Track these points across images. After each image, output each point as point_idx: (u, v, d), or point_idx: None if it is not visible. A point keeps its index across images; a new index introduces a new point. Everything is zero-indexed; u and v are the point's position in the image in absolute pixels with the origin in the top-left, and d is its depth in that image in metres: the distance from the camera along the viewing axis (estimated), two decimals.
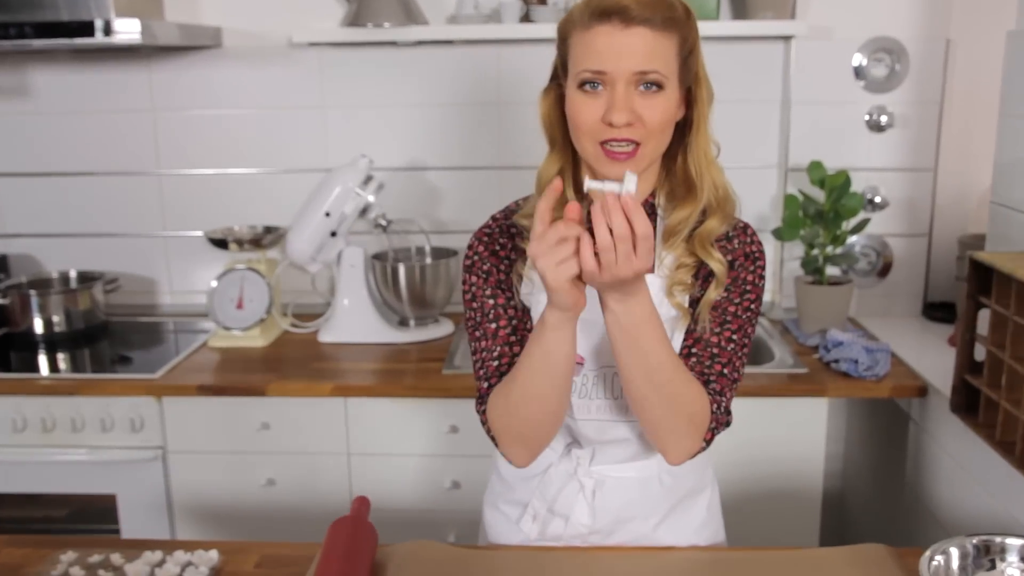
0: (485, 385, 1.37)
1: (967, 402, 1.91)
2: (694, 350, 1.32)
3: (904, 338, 2.46)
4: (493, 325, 1.36)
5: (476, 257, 1.39)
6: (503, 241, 1.38)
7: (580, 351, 1.34)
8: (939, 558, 1.26)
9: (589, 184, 1.10)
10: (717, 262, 1.30)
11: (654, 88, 1.21)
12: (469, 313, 1.40)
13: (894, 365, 2.26)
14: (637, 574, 1.37)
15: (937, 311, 2.66)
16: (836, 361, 2.25)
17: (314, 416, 2.25)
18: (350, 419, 2.24)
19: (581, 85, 1.22)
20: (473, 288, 1.39)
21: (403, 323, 2.60)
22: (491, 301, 1.37)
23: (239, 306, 2.54)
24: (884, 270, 2.71)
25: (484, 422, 1.38)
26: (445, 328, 2.58)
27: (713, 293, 1.31)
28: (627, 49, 1.18)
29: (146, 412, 2.26)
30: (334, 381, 2.21)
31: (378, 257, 2.61)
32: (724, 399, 1.32)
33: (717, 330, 1.32)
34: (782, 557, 1.40)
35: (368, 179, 2.49)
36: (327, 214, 2.46)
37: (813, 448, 2.22)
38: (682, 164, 1.33)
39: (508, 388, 1.31)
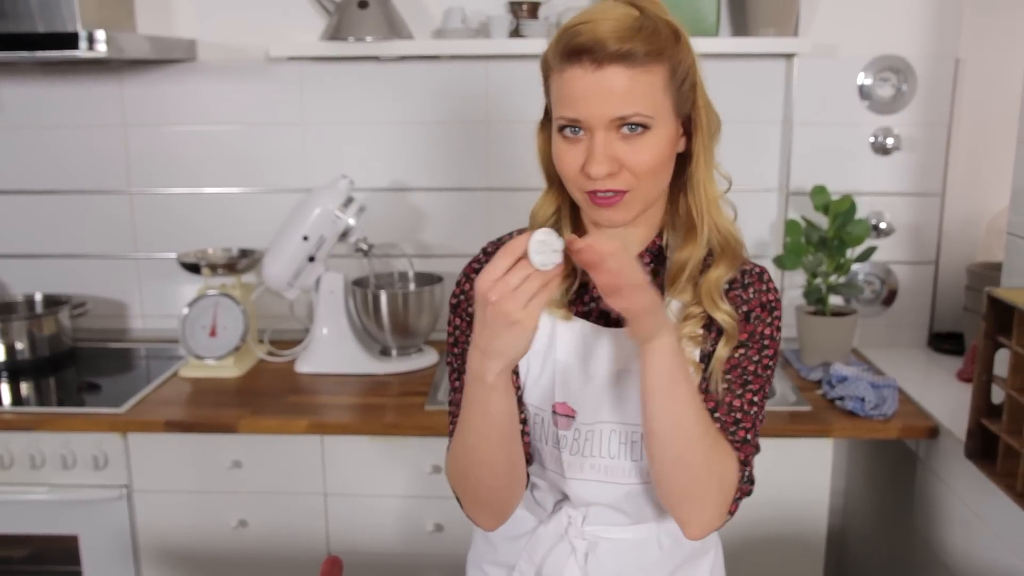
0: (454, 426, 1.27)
1: (983, 447, 1.80)
2: (716, 415, 1.19)
3: (910, 371, 2.35)
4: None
5: (463, 297, 1.29)
6: None
7: (572, 403, 1.23)
8: None
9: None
10: (726, 315, 1.18)
11: (639, 130, 1.09)
12: (450, 357, 1.31)
13: (902, 403, 2.14)
14: None
15: (944, 342, 2.54)
16: (841, 399, 2.13)
17: (289, 454, 2.12)
18: (327, 457, 2.12)
19: (561, 130, 1.12)
20: (456, 332, 1.30)
21: (385, 352, 2.48)
22: (466, 348, 1.24)
23: (212, 334, 2.41)
24: (889, 299, 2.59)
25: (448, 474, 1.29)
26: (429, 358, 2.45)
27: (724, 350, 1.19)
28: (601, 94, 1.07)
29: (110, 449, 2.12)
30: (310, 417, 2.08)
31: (359, 283, 2.48)
32: (748, 468, 1.21)
33: (739, 392, 1.20)
34: None
35: (349, 201, 2.36)
36: (305, 238, 2.34)
37: (817, 491, 2.10)
38: (684, 201, 1.22)
39: (456, 452, 1.21)
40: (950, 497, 1.97)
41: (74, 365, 2.54)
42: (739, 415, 1.19)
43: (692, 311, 1.20)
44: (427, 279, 2.52)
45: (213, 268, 2.44)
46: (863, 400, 2.09)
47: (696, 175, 1.18)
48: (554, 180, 1.23)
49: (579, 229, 1.25)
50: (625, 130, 1.09)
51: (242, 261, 2.47)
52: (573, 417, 1.24)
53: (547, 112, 1.20)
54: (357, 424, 2.08)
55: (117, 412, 2.12)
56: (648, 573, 1.32)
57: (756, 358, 1.20)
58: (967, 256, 2.53)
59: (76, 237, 2.68)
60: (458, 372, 1.27)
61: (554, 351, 1.23)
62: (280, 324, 2.60)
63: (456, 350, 1.29)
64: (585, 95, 1.07)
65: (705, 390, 1.20)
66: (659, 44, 1.08)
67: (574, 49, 1.06)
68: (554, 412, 1.24)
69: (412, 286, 2.51)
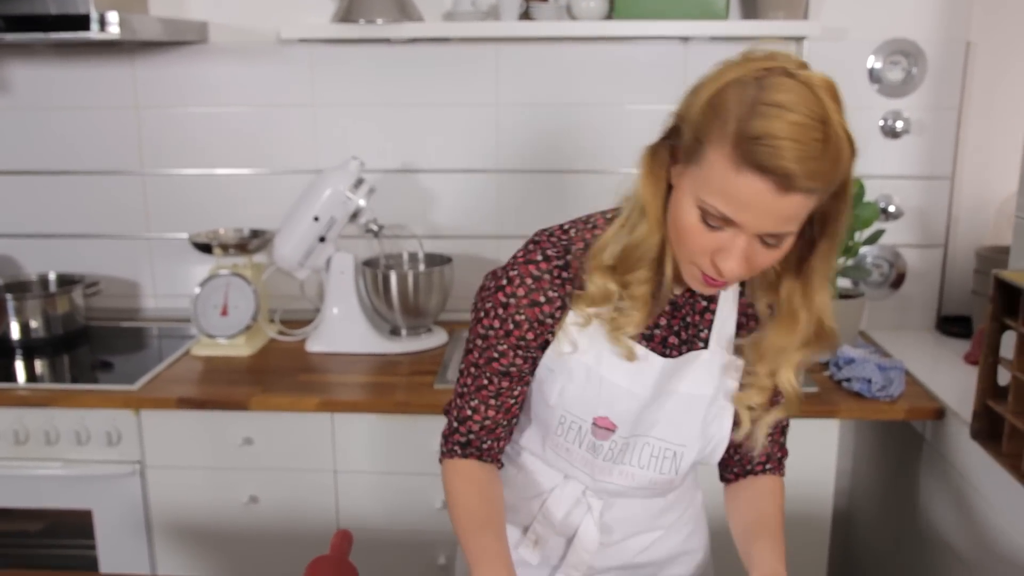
0: (455, 427, 1.32)
1: (989, 429, 1.81)
2: (770, 437, 1.38)
3: (918, 354, 2.36)
4: (487, 382, 1.28)
5: (511, 300, 1.22)
6: (551, 295, 1.21)
7: (615, 419, 1.27)
8: None
9: None
10: (791, 388, 1.25)
11: (775, 239, 1.07)
12: (472, 344, 1.29)
13: (908, 384, 2.15)
14: None
15: (953, 325, 2.54)
16: (848, 380, 2.14)
17: (299, 432, 2.14)
18: (337, 435, 2.14)
19: (705, 214, 1.06)
20: (490, 332, 1.24)
21: (395, 332, 2.50)
22: (501, 359, 1.26)
23: (223, 313, 2.43)
24: (897, 282, 2.60)
25: (442, 469, 1.34)
26: (439, 338, 2.47)
27: (777, 415, 1.30)
28: (770, 214, 1.02)
29: (123, 425, 2.15)
30: (320, 395, 2.10)
31: (369, 263, 2.50)
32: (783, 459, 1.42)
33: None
34: None
35: (359, 182, 2.38)
36: (316, 218, 2.36)
37: (823, 472, 2.12)
38: (789, 284, 1.19)
39: (454, 518, 1.29)
40: (955, 478, 1.98)
41: (88, 343, 2.57)
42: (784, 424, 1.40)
43: (763, 383, 1.25)
44: (437, 260, 2.53)
45: (225, 248, 2.46)
46: (870, 381, 2.10)
47: (818, 268, 1.15)
48: (653, 213, 1.14)
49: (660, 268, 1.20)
50: (769, 239, 1.06)
51: (253, 241, 2.49)
52: (613, 431, 1.28)
53: (670, 135, 1.12)
54: (367, 402, 2.10)
55: (130, 389, 2.15)
56: (657, 518, 1.42)
57: None
58: (976, 239, 2.54)
59: (89, 217, 2.70)
60: (477, 368, 1.28)
61: (600, 368, 1.24)
62: (291, 304, 2.62)
63: (481, 344, 1.26)
64: (754, 208, 1.01)
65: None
66: (837, 179, 1.03)
67: (766, 167, 0.98)
68: (595, 424, 1.28)
69: (422, 267, 2.53)
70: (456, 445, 1.31)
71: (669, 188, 1.13)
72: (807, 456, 2.09)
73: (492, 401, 1.28)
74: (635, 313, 1.19)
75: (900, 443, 2.30)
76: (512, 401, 1.29)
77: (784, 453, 1.42)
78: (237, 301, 2.43)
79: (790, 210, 1.02)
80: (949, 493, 2.01)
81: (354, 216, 2.39)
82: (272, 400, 2.10)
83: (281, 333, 2.51)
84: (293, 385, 2.18)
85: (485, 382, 1.27)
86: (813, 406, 2.06)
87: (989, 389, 1.81)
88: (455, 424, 1.31)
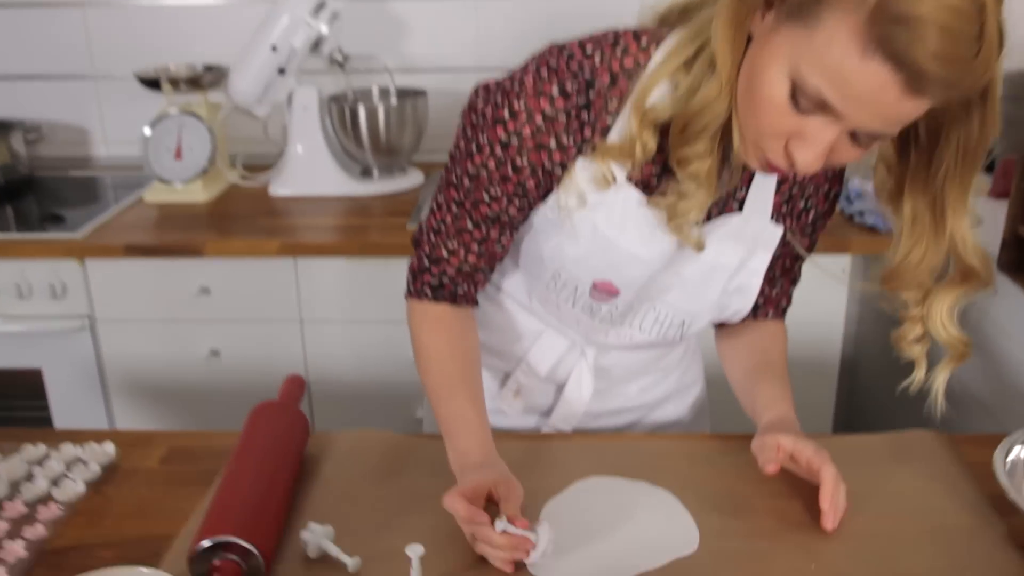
0: (427, 266, 1.11)
1: (1018, 259, 1.63)
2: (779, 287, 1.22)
3: None
4: (471, 225, 1.07)
5: (513, 141, 0.98)
6: (565, 141, 0.98)
7: (619, 283, 1.08)
8: (1019, 449, 0.99)
9: (501, 524, 0.92)
10: (952, 338, 1.03)
11: (871, 140, 0.85)
12: (456, 178, 1.05)
13: None
14: (649, 465, 1.11)
15: None
16: (860, 213, 1.95)
17: (260, 279, 1.96)
18: (302, 282, 1.96)
19: (793, 94, 0.82)
20: (482, 172, 1.02)
21: (366, 174, 2.29)
22: (492, 203, 1.04)
23: (177, 156, 2.22)
24: None
25: (408, 307, 1.16)
26: (413, 179, 2.26)
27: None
28: (886, 114, 0.80)
29: (68, 277, 1.96)
30: (282, 238, 1.91)
31: (335, 99, 2.27)
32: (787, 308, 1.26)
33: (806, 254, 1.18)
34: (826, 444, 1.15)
35: (320, 6, 2.13)
36: (273, 48, 2.12)
37: (832, 314, 1.96)
38: (918, 199, 0.94)
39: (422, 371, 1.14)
40: (977, 317, 1.81)
41: (33, 195, 2.35)
42: (796, 274, 1.24)
43: (912, 313, 1.03)
44: (410, 94, 2.30)
45: (175, 84, 2.22)
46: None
47: (947, 195, 0.91)
48: (731, 80, 0.89)
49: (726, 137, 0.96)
50: (864, 138, 0.85)
51: (207, 76, 2.25)
52: (615, 295, 1.09)
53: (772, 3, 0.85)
54: (334, 244, 1.91)
55: (73, 237, 1.95)
56: (658, 361, 1.27)
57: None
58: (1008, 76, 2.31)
59: (26, 56, 2.45)
60: (459, 204, 1.06)
61: (610, 229, 1.03)
62: (254, 148, 2.40)
63: (469, 179, 1.03)
64: (869, 104, 0.79)
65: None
66: (982, 84, 0.80)
67: (903, 59, 0.75)
68: (594, 287, 1.09)
69: (394, 101, 2.30)
70: (427, 287, 1.12)
71: (748, 39, 0.88)
72: (815, 297, 1.92)
73: (475, 247, 1.08)
74: (699, 193, 0.96)
75: None
76: (499, 249, 1.09)
77: (789, 303, 1.25)
78: (192, 143, 2.21)
79: (910, 113, 0.80)
80: (971, 333, 1.85)
81: (316, 46, 2.15)
82: (230, 244, 1.91)
83: (243, 178, 2.30)
84: (254, 229, 1.99)
85: (469, 225, 1.06)
86: (821, 240, 1.87)
87: (1020, 215, 1.62)
88: (427, 263, 1.11)
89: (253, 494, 0.97)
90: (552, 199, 1.03)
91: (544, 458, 1.13)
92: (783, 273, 1.20)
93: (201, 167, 2.20)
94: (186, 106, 2.22)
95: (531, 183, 1.01)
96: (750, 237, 1.08)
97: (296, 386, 1.21)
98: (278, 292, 1.97)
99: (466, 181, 1.03)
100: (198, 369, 2.03)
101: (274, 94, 2.18)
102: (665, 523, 1.01)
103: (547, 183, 1.02)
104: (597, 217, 1.02)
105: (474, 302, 1.14)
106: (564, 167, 1.00)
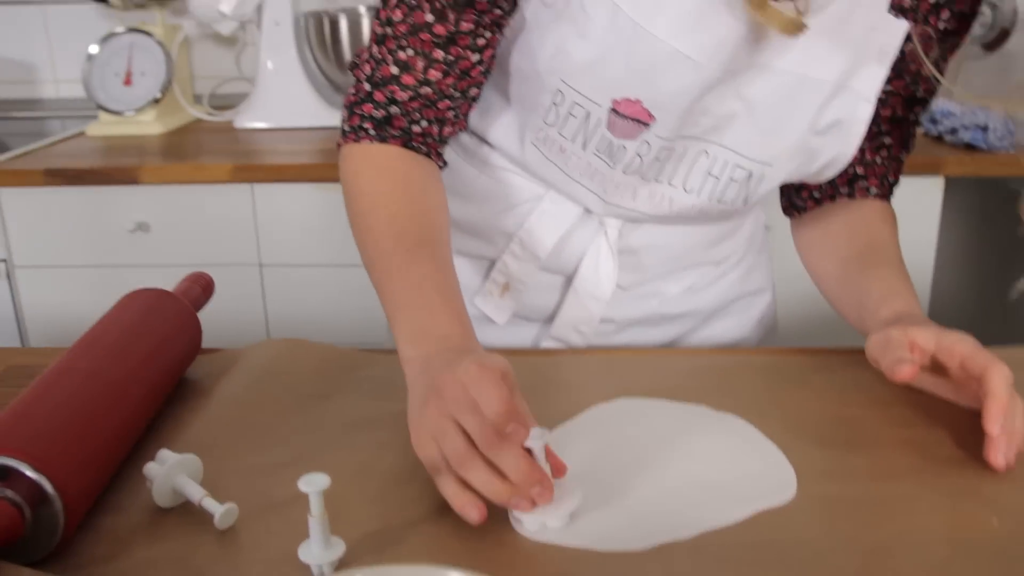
0: (368, 90, 0.75)
1: None
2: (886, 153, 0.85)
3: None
4: (431, 15, 0.71)
5: None
6: None
7: (652, 105, 0.72)
8: None
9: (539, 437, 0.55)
10: None
11: None
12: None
13: None
14: (706, 386, 0.73)
15: None
16: (953, 131, 1.58)
17: (210, 213, 1.60)
18: (261, 216, 1.60)
19: None
20: None
21: None
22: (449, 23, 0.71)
23: (127, 82, 1.87)
24: (998, 39, 2.00)
25: (340, 159, 0.78)
26: None
27: None
28: None
29: None
30: (237, 160, 1.56)
31: (314, 13, 1.91)
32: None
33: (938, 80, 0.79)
34: None
35: None
36: None
37: (923, 245, 1.58)
38: None
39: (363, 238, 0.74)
40: None
41: None
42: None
43: None
44: None
45: None
46: (985, 129, 1.53)
47: None
48: None
49: None
50: None
51: None
52: (647, 125, 0.72)
53: None
54: (299, 169, 1.55)
55: None
56: (708, 249, 0.89)
57: None
58: None
59: None
60: (406, 31, 0.72)
61: (637, 8, 0.67)
62: (225, 88, 2.06)
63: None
64: None
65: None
66: None
67: None
68: (614, 111, 0.72)
69: None
70: (367, 121, 0.75)
71: None
72: (904, 222, 1.54)
73: (438, 54, 0.72)
74: None
75: (1014, 211, 1.74)
76: (474, 59, 0.74)
77: (898, 178, 0.88)
78: (144, 66, 1.88)
79: None
80: None
81: None
82: (172, 170, 1.56)
83: (209, 114, 1.95)
84: (203, 154, 1.63)
85: (429, 17, 0.70)
86: (911, 159, 1.49)
87: None
88: (368, 88, 0.75)
89: (69, 405, 0.60)
90: None
91: (547, 380, 0.75)
92: (893, 127, 0.83)
93: (153, 95, 1.85)
94: (139, 25, 1.89)
95: None
96: (857, 37, 0.71)
97: (197, 284, 0.84)
98: (232, 228, 1.61)
99: None
100: None
101: (241, 6, 1.83)
102: (741, 460, 0.63)
103: None
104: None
105: (439, 155, 0.78)
106: None
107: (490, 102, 0.81)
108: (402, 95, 0.73)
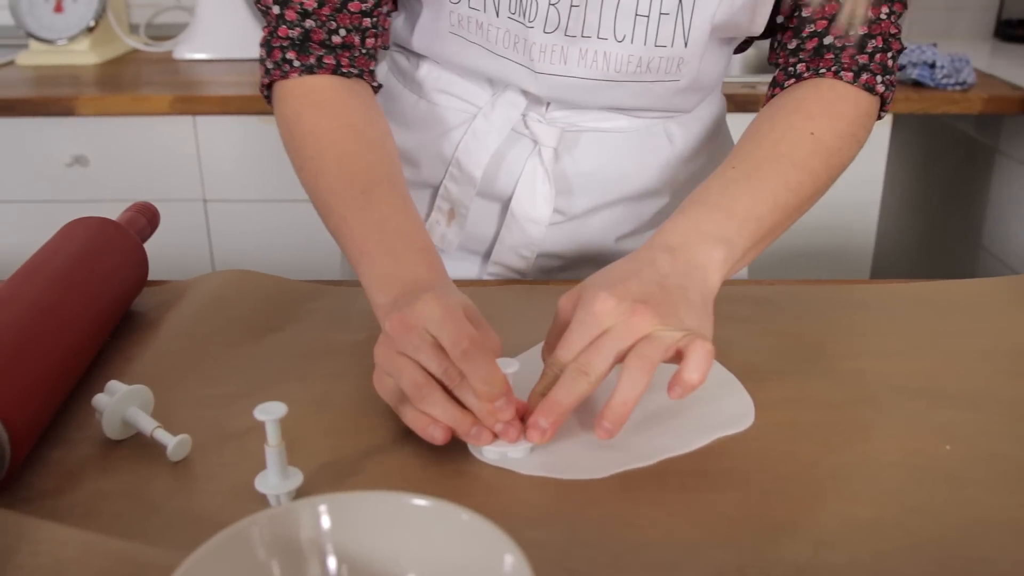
0: (278, 14, 0.73)
1: None
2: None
3: (975, 63, 1.77)
4: None
5: None
6: None
7: None
8: None
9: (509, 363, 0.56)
10: None
11: None
12: None
13: (980, 78, 1.61)
14: None
15: (1016, 29, 1.99)
16: (903, 67, 1.58)
17: (151, 146, 1.55)
18: (204, 150, 1.56)
19: None
20: None
21: None
22: None
23: (57, 8, 1.80)
24: None
25: (273, 100, 0.79)
26: None
27: None
28: None
29: None
30: (178, 91, 1.51)
31: None
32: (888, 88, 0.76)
33: None
34: (920, 291, 0.78)
35: None
36: None
37: (869, 182, 1.60)
38: None
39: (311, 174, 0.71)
40: None
41: None
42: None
43: None
44: None
45: None
46: (932, 66, 1.54)
47: None
48: None
49: None
50: None
51: None
52: None
53: None
54: (243, 100, 1.51)
55: None
56: (647, 170, 0.84)
57: None
58: None
59: None
60: None
61: None
62: (163, 17, 1.99)
63: None
64: None
65: None
66: None
67: None
68: None
69: None
70: (288, 49, 0.73)
71: None
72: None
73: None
74: None
75: (965, 154, 1.76)
76: None
77: (886, 74, 0.76)
78: None
79: None
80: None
81: None
82: (110, 101, 1.51)
83: (146, 44, 1.89)
84: (143, 86, 1.58)
85: None
86: None
87: None
88: (276, 9, 0.73)
89: (10, 333, 0.58)
90: None
91: (497, 313, 0.74)
92: None
93: (86, 23, 1.79)
94: None
95: None
96: None
97: (142, 215, 0.82)
98: (174, 163, 1.57)
99: None
100: None
101: None
102: (699, 390, 0.63)
103: None
104: None
105: (371, 74, 0.76)
106: None
107: (409, 11, 0.80)
108: (311, 2, 0.71)
